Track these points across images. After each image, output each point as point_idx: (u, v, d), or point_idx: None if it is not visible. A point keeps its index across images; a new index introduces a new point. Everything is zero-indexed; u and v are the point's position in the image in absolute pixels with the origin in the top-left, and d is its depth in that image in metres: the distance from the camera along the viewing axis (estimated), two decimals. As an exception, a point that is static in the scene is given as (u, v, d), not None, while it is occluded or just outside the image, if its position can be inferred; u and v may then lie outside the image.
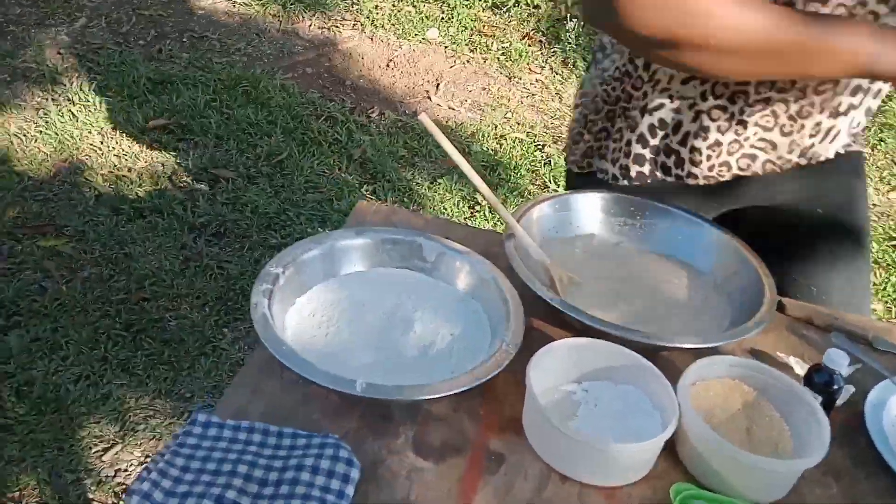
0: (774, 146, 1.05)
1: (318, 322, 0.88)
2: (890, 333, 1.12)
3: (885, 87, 1.04)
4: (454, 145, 0.97)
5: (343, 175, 2.56)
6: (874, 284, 2.44)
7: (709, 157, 1.07)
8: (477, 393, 0.85)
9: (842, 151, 1.11)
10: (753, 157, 1.07)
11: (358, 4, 3.48)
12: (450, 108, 3.08)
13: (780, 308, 1.12)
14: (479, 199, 2.59)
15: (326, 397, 0.83)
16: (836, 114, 1.02)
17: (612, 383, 0.90)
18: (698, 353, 0.94)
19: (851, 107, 1.03)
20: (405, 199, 2.52)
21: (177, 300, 2.03)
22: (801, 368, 0.98)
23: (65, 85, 2.79)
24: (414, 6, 3.54)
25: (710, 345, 0.93)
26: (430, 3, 3.58)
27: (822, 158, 1.08)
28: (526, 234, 1.03)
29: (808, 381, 0.88)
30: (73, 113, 2.67)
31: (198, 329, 1.95)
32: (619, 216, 1.16)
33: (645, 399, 0.87)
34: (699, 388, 0.88)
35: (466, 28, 3.44)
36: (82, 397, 1.77)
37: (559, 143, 2.94)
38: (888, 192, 3.01)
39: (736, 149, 1.06)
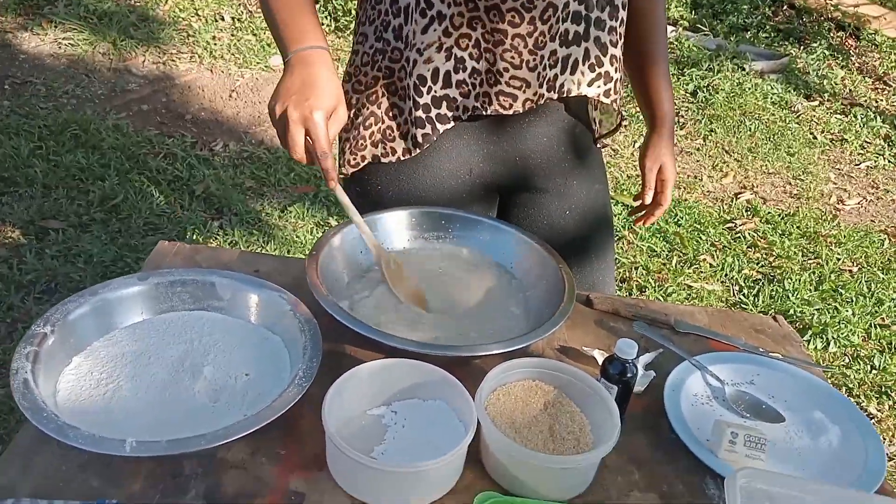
0: (529, 84, 1.07)
1: (97, 381, 0.82)
2: (692, 316, 1.18)
3: (609, 21, 1.08)
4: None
5: (186, 213, 2.45)
6: (711, 266, 2.59)
7: (473, 86, 1.08)
8: (275, 433, 0.82)
9: (603, 99, 1.14)
10: (514, 97, 1.08)
11: (194, 36, 3.37)
12: (298, 134, 3.02)
13: (589, 303, 1.15)
14: (334, 223, 2.55)
15: (109, 463, 0.77)
16: (566, 42, 1.07)
17: (420, 400, 0.89)
18: (508, 357, 0.95)
19: (578, 35, 1.07)
20: (254, 231, 2.44)
21: (4, 368, 1.87)
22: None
23: None
24: (254, 34, 3.48)
25: (514, 348, 0.93)
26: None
27: (574, 94, 1.11)
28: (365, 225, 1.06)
29: (604, 372, 0.91)
30: None
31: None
32: (430, 231, 1.17)
33: (451, 413, 0.87)
34: (500, 393, 0.88)
35: (309, 52, 3.40)
36: None
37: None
38: (721, 178, 3.22)
39: (492, 80, 1.07)
